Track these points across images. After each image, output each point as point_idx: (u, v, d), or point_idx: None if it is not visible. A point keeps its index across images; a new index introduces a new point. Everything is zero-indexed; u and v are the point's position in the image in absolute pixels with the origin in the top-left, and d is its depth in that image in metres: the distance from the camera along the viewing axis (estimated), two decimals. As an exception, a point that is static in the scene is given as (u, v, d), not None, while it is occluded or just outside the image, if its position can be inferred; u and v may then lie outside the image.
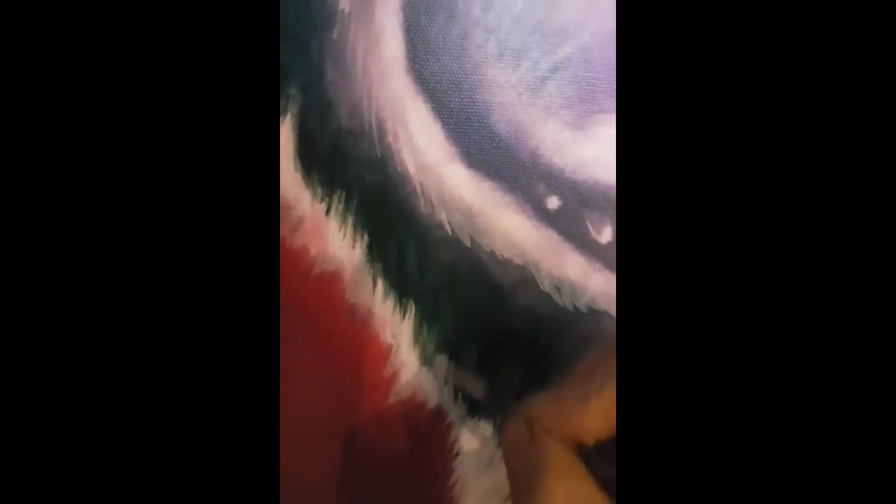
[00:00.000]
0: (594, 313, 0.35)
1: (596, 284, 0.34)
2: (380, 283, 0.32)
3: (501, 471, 0.35)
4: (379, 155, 0.31)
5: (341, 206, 0.32)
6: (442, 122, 0.32)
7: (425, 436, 0.34)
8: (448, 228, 0.32)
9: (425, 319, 0.33)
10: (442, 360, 0.33)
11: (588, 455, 0.23)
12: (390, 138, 0.31)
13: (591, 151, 0.32)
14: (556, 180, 0.33)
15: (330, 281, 0.32)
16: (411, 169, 0.32)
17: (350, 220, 0.32)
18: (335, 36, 0.30)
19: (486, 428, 0.34)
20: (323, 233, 0.32)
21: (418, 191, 0.32)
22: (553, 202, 0.33)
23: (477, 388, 0.33)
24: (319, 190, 0.31)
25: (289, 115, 0.31)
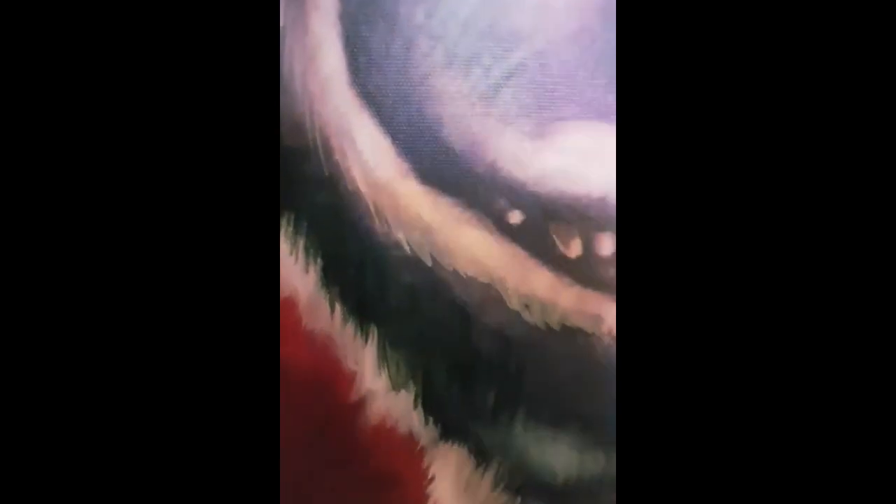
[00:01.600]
0: (567, 330, 0.33)
1: (567, 301, 0.32)
2: (338, 308, 0.31)
3: (479, 495, 0.34)
4: (327, 174, 0.30)
5: (290, 228, 0.30)
6: (392, 137, 0.30)
7: (398, 462, 0.33)
8: (407, 248, 0.31)
9: (389, 344, 0.32)
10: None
11: None
12: (337, 156, 0.30)
13: (554, 162, 0.31)
14: (517, 194, 0.31)
15: (284, 308, 0.31)
16: (362, 187, 0.30)
17: (301, 244, 0.31)
18: (271, 51, 0.28)
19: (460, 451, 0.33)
20: (274, 258, 0.30)
21: (372, 210, 0.30)
22: (516, 217, 0.31)
23: None
24: (267, 213, 0.30)
25: (229, 137, 0.29)
